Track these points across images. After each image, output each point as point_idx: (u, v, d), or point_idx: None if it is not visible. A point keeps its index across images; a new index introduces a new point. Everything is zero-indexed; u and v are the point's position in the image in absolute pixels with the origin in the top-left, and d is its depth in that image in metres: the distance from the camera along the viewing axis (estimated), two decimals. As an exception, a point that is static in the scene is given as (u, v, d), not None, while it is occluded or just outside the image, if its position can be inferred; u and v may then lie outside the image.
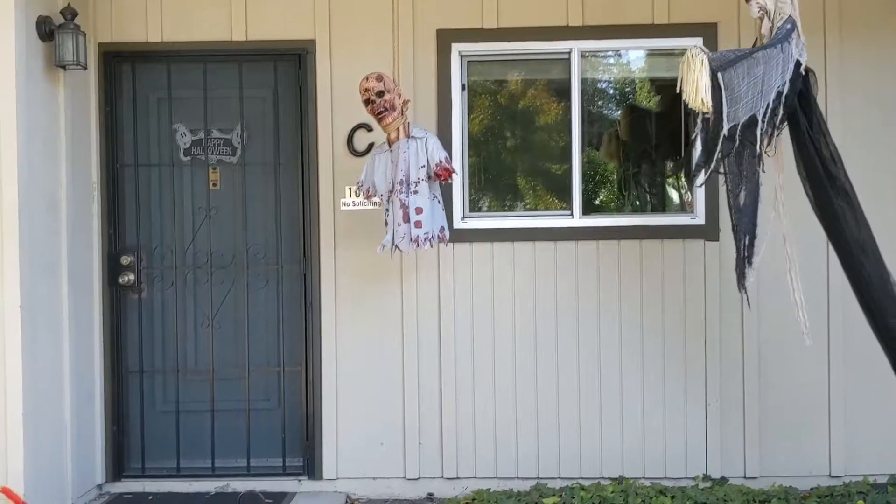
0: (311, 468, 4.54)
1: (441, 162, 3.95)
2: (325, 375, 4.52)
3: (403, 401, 4.51)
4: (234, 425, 4.65)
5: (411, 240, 3.96)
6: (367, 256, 4.38)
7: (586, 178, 4.66)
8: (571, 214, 4.53)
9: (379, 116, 3.95)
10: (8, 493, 3.66)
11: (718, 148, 3.09)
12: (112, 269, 4.58)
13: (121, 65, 4.59)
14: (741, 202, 3.33)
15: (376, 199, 4.22)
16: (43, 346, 3.97)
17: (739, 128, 3.08)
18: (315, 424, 4.53)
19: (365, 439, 4.52)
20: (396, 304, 4.51)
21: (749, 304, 3.71)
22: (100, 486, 4.54)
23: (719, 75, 3.00)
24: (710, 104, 3.02)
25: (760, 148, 3.20)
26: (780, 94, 3.10)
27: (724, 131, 3.05)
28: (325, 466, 4.52)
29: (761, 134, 3.14)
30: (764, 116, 3.10)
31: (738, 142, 3.11)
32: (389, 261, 4.38)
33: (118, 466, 4.59)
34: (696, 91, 3.01)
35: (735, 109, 3.04)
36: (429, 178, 3.98)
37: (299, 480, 4.54)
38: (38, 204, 3.97)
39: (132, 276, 4.60)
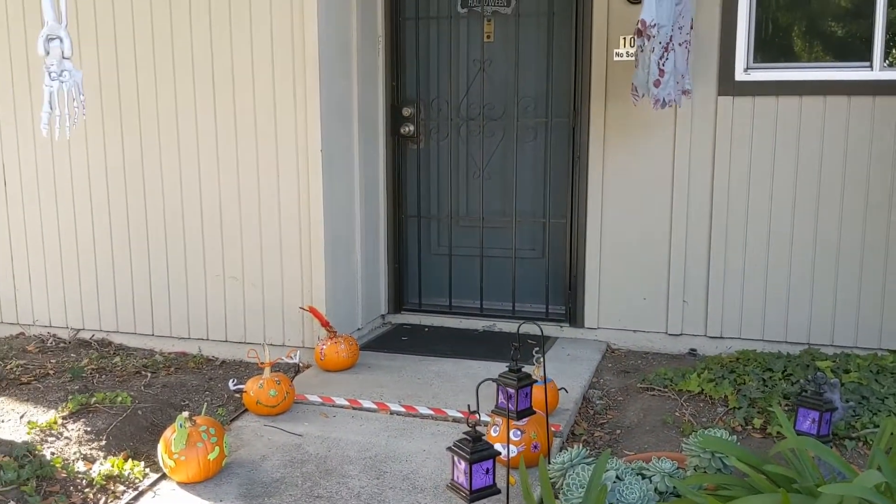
0: (573, 316, 4.71)
1: None
2: (589, 228, 4.59)
3: (669, 257, 4.49)
4: (500, 271, 4.91)
5: (683, 91, 3.84)
6: (638, 109, 4.30)
7: (892, 26, 4.18)
8: (871, 66, 4.12)
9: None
10: (314, 311, 4.17)
11: None
12: (394, 119, 4.89)
13: (404, -82, 4.74)
14: None
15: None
16: (339, 187, 4.38)
17: None
18: (578, 274, 4.66)
19: (627, 292, 4.58)
20: (667, 160, 4.42)
21: None
22: (383, 316, 5.03)
23: None
24: None
25: None
26: None
27: None
28: (587, 315, 4.67)
29: None
30: None
31: None
32: (662, 113, 4.28)
33: (398, 300, 5.05)
34: None
35: None
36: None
37: (561, 327, 4.74)
38: (334, 54, 4.28)
39: (412, 127, 4.88)
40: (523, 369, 2.89)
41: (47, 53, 1.92)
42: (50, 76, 1.90)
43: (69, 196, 4.64)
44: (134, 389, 3.86)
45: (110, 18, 4.39)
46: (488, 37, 4.75)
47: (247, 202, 4.33)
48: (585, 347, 4.55)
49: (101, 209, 4.59)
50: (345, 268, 4.51)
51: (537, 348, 3.29)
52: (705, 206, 4.40)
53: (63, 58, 1.91)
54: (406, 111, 4.88)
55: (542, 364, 3.24)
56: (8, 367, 4.16)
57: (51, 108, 1.91)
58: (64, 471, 3.02)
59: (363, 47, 4.57)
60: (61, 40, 1.91)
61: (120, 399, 3.61)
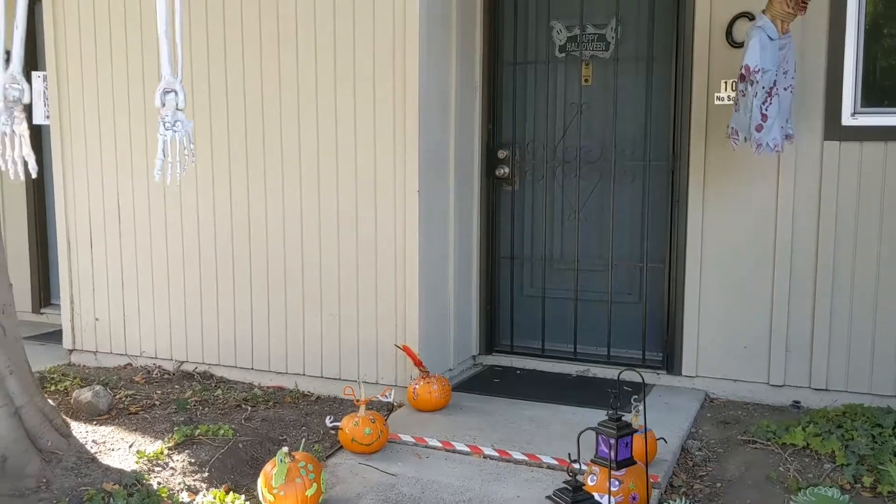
0: (671, 363, 4.62)
1: None
2: (688, 273, 4.51)
3: (771, 305, 4.36)
4: (594, 314, 4.86)
5: (786, 136, 3.78)
6: (739, 153, 4.22)
7: None
8: None
9: (803, 5, 3.75)
10: (407, 350, 4.22)
11: None
12: (489, 161, 4.94)
13: (504, -34, 4.83)
14: None
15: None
16: (433, 227, 4.45)
17: None
18: (676, 320, 4.57)
19: (727, 340, 4.47)
20: (770, 204, 4.32)
21: None
22: (474, 357, 5.04)
23: None
24: None
25: None
26: None
27: None
28: (685, 363, 4.56)
29: None
30: None
31: None
32: (764, 157, 4.19)
33: (490, 341, 5.05)
34: None
35: None
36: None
37: (658, 374, 4.65)
38: (434, 99, 4.37)
39: (507, 169, 4.92)
40: (622, 417, 2.85)
41: (163, 105, 2.03)
42: (164, 126, 2.01)
43: (178, 234, 4.84)
44: (235, 422, 3.97)
45: (222, 72, 4.60)
46: (586, 80, 4.77)
47: (345, 241, 4.44)
48: (683, 396, 4.45)
49: (207, 247, 4.78)
50: (438, 307, 4.55)
51: (636, 396, 3.24)
52: (810, 253, 4.27)
53: (177, 109, 2.03)
54: (502, 153, 4.92)
55: (641, 413, 3.18)
56: (118, 396, 4.34)
57: (164, 156, 2.03)
58: (169, 500, 3.13)
59: (461, 92, 4.65)
60: (176, 93, 2.03)
61: (222, 432, 3.72)
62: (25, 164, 2.08)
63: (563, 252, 4.92)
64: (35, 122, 5.85)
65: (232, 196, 4.68)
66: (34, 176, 2.13)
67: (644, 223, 4.70)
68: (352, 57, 4.31)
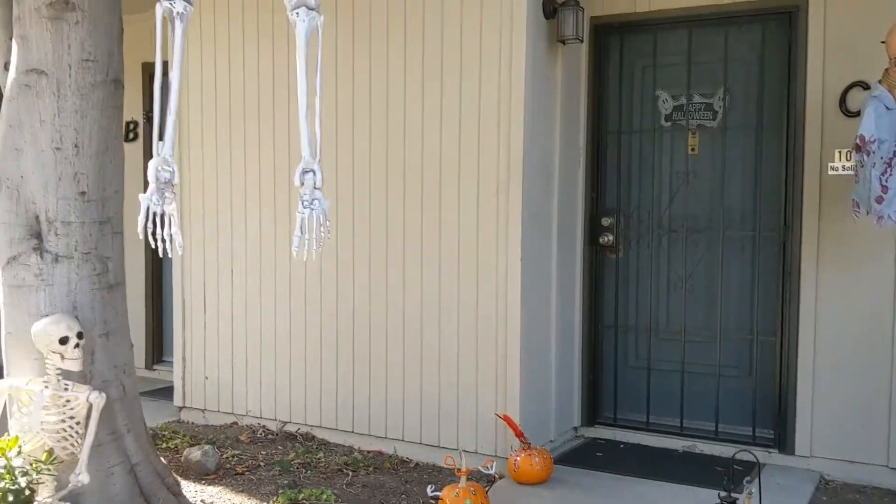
0: (783, 442, 4.41)
1: None
2: (801, 347, 4.33)
3: (891, 382, 4.13)
4: (702, 388, 4.71)
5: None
6: (856, 225, 4.06)
7: None
8: None
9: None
10: (508, 420, 4.18)
11: None
12: (593, 229, 4.91)
13: (609, 36, 4.85)
14: None
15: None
16: (536, 295, 4.43)
17: None
18: (788, 397, 4.38)
19: (843, 419, 4.24)
20: (889, 278, 4.13)
21: None
22: (575, 429, 4.94)
23: None
24: None
25: None
26: None
27: None
28: (798, 442, 4.35)
29: None
30: None
31: None
32: (884, 230, 4.02)
33: (592, 413, 4.95)
34: None
35: None
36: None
37: (769, 452, 4.44)
38: (537, 165, 4.40)
39: (610, 237, 4.88)
40: (735, 502, 2.73)
41: (302, 185, 2.13)
42: (302, 204, 2.10)
43: (286, 303, 4.98)
44: (337, 487, 3.99)
45: (350, 156, 4.75)
46: (692, 149, 4.72)
47: (446, 307, 4.47)
48: (796, 477, 4.23)
49: (313, 312, 4.89)
50: (539, 377, 4.50)
51: (748, 478, 3.10)
52: (936, 330, 4.04)
53: (314, 188, 2.11)
54: (606, 221, 4.89)
55: (755, 495, 3.04)
56: (225, 456, 4.45)
57: (301, 233, 2.11)
58: (273, 565, 3.16)
59: (565, 159, 4.67)
60: (314, 173, 2.12)
61: (325, 497, 3.75)
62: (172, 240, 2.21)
63: (669, 322, 4.81)
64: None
65: (338, 272, 4.79)
66: (180, 253, 2.25)
67: (754, 294, 4.56)
68: (457, 126, 4.39)
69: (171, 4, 2.08)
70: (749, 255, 4.58)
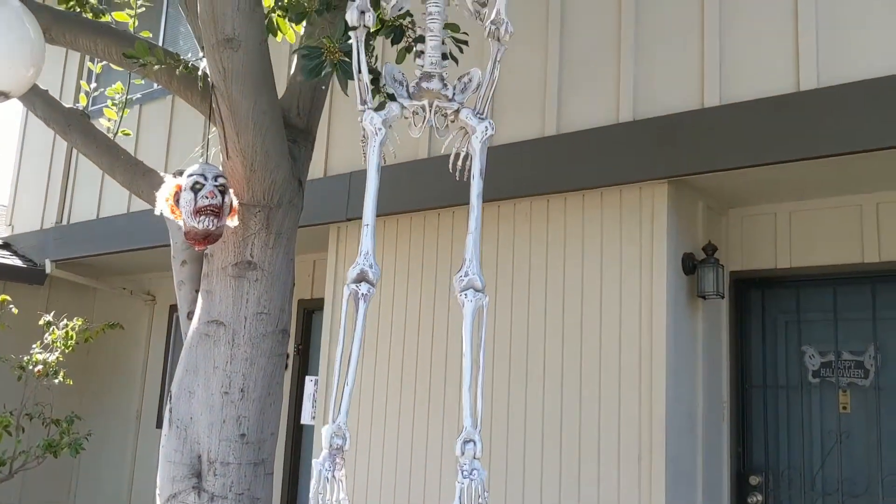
0: None
1: None
2: None
3: None
4: None
5: None
6: None
7: None
8: None
9: None
10: None
11: None
12: (740, 487, 4.68)
13: (750, 290, 4.89)
14: None
15: None
16: (681, 559, 4.19)
17: None
18: None
19: None
20: None
21: None
22: None
23: None
24: None
25: None
26: None
27: None
28: None
29: None
30: None
31: None
32: None
33: None
34: None
35: None
36: None
37: None
38: (680, 421, 4.33)
39: (760, 497, 4.63)
40: None
41: (462, 454, 2.20)
42: (462, 474, 2.16)
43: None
44: None
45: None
46: (844, 408, 4.53)
47: (586, 567, 4.27)
48: None
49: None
50: None
51: None
52: None
53: (474, 458, 2.19)
54: (754, 480, 4.66)
55: None
56: None
57: (459, 502, 2.15)
58: None
59: (707, 413, 4.57)
60: (475, 443, 2.20)
61: None
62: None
63: None
64: (302, 421, 6.39)
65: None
66: (341, 520, 2.32)
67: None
68: (598, 378, 4.43)
69: (357, 287, 2.30)
70: (917, 528, 4.22)
